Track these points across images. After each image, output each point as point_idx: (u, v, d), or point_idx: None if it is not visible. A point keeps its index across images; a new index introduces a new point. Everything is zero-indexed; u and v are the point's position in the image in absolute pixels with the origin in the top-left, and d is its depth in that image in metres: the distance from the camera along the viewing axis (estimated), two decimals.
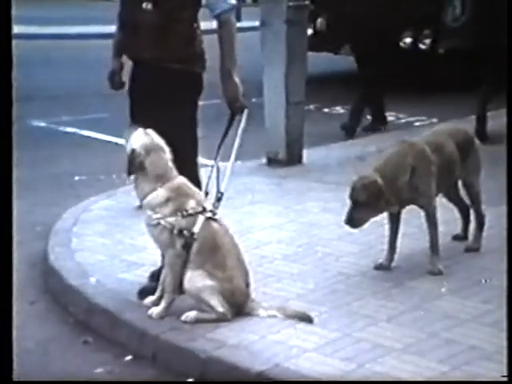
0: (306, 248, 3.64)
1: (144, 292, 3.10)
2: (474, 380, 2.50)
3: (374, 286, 3.18)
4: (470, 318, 2.88)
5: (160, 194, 2.92)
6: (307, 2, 5.32)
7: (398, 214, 3.38)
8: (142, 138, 2.94)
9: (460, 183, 3.61)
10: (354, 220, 3.25)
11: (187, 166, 3.02)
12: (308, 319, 2.88)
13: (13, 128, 2.26)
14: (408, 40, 7.34)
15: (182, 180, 2.96)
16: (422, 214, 3.41)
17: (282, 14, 5.11)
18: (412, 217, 3.55)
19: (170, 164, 2.94)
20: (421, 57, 7.26)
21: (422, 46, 7.23)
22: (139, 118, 3.06)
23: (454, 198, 3.67)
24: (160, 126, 2.96)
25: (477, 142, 3.63)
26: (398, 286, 3.17)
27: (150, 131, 2.96)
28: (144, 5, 3.00)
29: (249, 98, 7.40)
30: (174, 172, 2.95)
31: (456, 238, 3.68)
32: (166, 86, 3.01)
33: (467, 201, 3.65)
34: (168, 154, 2.95)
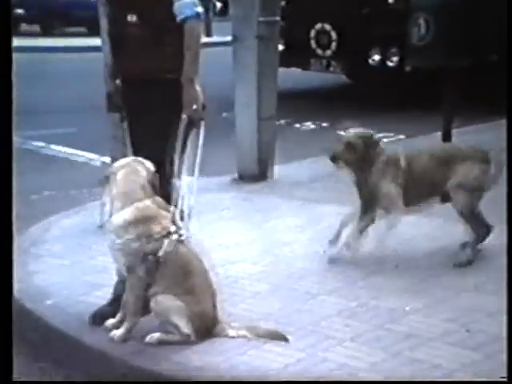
0: (272, 267, 3.67)
1: (97, 316, 3.07)
2: (474, 380, 2.54)
3: (339, 305, 3.22)
4: (434, 337, 2.93)
5: (125, 215, 2.89)
6: (278, 18, 5.39)
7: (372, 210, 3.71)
8: (125, 159, 2.97)
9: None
10: (336, 157, 3.73)
11: (166, 183, 3.03)
12: (281, 337, 2.90)
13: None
14: (376, 57, 7.48)
15: (151, 201, 2.92)
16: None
17: (253, 30, 5.17)
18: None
19: (144, 183, 2.91)
20: (388, 74, 7.41)
21: (389, 64, 7.38)
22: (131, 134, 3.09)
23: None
24: (146, 139, 2.99)
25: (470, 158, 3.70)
26: (362, 305, 3.21)
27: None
28: (129, 17, 3.02)
29: (219, 113, 7.47)
30: (147, 192, 2.91)
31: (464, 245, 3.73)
32: (154, 98, 3.02)
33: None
34: (146, 174, 2.92)
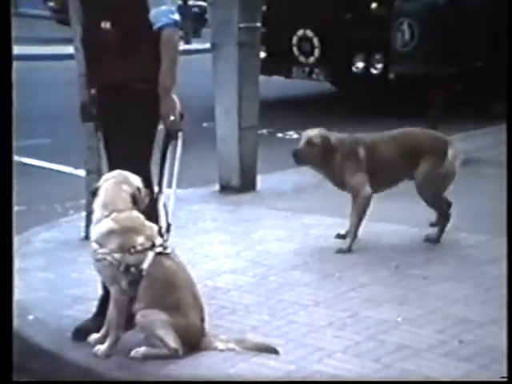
0: (261, 278, 3.64)
1: (80, 331, 3.02)
2: (473, 380, 2.52)
3: (329, 317, 3.19)
4: (426, 348, 2.91)
5: (105, 224, 2.87)
6: (259, 24, 5.37)
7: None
8: (114, 172, 2.94)
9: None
10: (298, 156, 3.99)
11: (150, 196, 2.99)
12: (271, 350, 2.87)
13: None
14: (360, 64, 7.51)
15: (133, 213, 2.90)
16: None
17: (234, 36, 5.14)
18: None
19: (128, 195, 2.88)
20: (373, 81, 7.44)
21: (373, 71, 7.41)
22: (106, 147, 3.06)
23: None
24: (123, 151, 2.95)
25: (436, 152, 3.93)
26: (353, 316, 3.19)
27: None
28: (102, 24, 2.98)
29: (200, 122, 7.45)
30: (128, 204, 2.89)
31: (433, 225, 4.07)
32: (129, 108, 2.98)
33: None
34: (130, 187, 2.89)
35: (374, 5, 7.35)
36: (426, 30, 5.82)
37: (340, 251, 3.89)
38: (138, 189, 2.92)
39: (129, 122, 2.99)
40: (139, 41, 2.99)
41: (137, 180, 2.94)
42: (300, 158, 4.00)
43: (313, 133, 4.03)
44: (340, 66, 7.68)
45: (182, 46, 13.27)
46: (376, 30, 7.03)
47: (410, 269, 3.68)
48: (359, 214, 3.93)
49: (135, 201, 2.90)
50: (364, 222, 4.03)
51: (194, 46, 14.34)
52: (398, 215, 4.36)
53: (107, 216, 2.86)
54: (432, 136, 4.10)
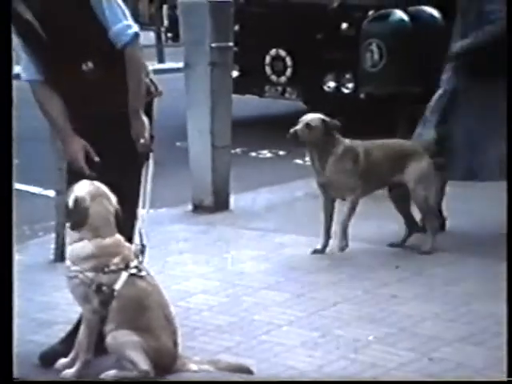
0: (234, 298, 3.72)
1: (47, 356, 3.02)
2: (473, 380, 2.60)
3: (301, 336, 3.28)
4: (397, 366, 3.01)
5: (86, 247, 2.89)
6: (231, 44, 5.48)
7: (332, 202, 4.22)
8: (86, 187, 2.94)
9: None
10: (295, 135, 4.12)
11: (129, 218, 2.99)
12: (245, 370, 2.93)
13: None
14: (331, 84, 7.67)
15: (115, 239, 2.91)
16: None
17: (206, 56, 5.24)
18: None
19: (112, 218, 2.91)
20: (344, 101, 7.59)
21: (345, 90, 7.58)
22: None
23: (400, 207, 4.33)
24: (105, 175, 2.96)
25: (421, 154, 4.23)
26: (325, 336, 3.28)
27: (95, 182, 2.96)
28: (84, 66, 3.00)
29: (172, 142, 7.50)
30: (112, 227, 2.91)
31: (392, 245, 4.30)
32: (107, 132, 3.02)
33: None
34: (112, 205, 2.92)
35: (344, 25, 7.54)
36: (393, 51, 5.99)
37: (331, 253, 4.15)
38: (118, 209, 2.94)
39: (105, 146, 3.02)
40: (116, 71, 2.99)
41: (114, 198, 2.96)
42: (296, 138, 4.12)
43: (313, 119, 4.17)
44: (312, 85, 7.82)
45: (156, 66, 13.39)
46: (346, 49, 7.19)
47: (381, 288, 3.78)
48: (349, 216, 4.14)
49: (117, 222, 2.92)
50: (337, 242, 4.16)
51: (168, 64, 14.43)
52: (371, 234, 4.49)
53: (90, 239, 2.87)
54: (414, 142, 4.45)
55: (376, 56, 6.07)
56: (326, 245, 4.21)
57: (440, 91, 4.52)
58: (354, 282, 3.86)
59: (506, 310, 2.97)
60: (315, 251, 4.21)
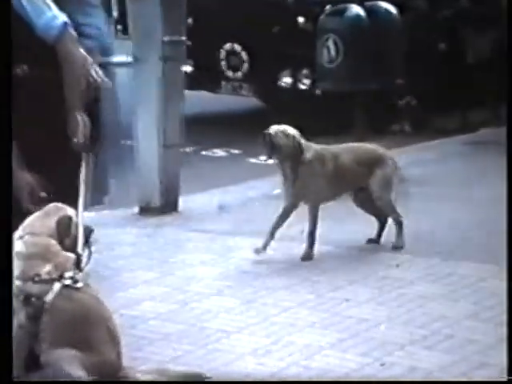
0: (182, 305, 3.70)
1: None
2: (473, 380, 2.63)
3: (252, 344, 3.28)
4: (349, 372, 3.04)
5: (14, 246, 2.76)
6: (184, 38, 5.45)
7: (291, 210, 4.29)
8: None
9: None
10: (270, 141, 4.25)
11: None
12: (199, 377, 2.91)
13: None
14: (287, 80, 7.69)
15: (48, 239, 2.81)
16: None
17: (157, 50, 5.20)
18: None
19: (50, 222, 2.82)
20: (300, 97, 7.63)
21: (301, 87, 7.61)
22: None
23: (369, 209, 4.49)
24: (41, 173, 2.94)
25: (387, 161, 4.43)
26: (277, 342, 3.29)
27: None
28: (18, 70, 2.93)
29: (118, 140, 7.37)
30: (49, 230, 2.81)
31: (370, 241, 4.46)
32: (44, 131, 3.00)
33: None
34: (56, 215, 2.83)
35: (301, 19, 7.56)
36: (350, 47, 6.04)
37: (304, 259, 4.23)
38: (70, 218, 2.87)
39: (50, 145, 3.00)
40: (49, 66, 2.94)
41: (70, 210, 2.89)
42: (273, 144, 4.23)
43: (285, 127, 4.33)
44: (268, 81, 7.83)
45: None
46: (303, 45, 7.22)
47: (333, 291, 3.82)
48: (315, 224, 4.28)
49: (61, 229, 2.83)
50: (287, 244, 4.24)
51: (117, 57, 14.25)
52: (322, 237, 4.51)
53: (20, 238, 2.78)
54: (377, 147, 4.60)
55: (333, 52, 6.11)
56: (267, 244, 4.26)
57: None
58: (306, 286, 3.88)
59: (506, 310, 3.04)
60: (256, 250, 4.26)
